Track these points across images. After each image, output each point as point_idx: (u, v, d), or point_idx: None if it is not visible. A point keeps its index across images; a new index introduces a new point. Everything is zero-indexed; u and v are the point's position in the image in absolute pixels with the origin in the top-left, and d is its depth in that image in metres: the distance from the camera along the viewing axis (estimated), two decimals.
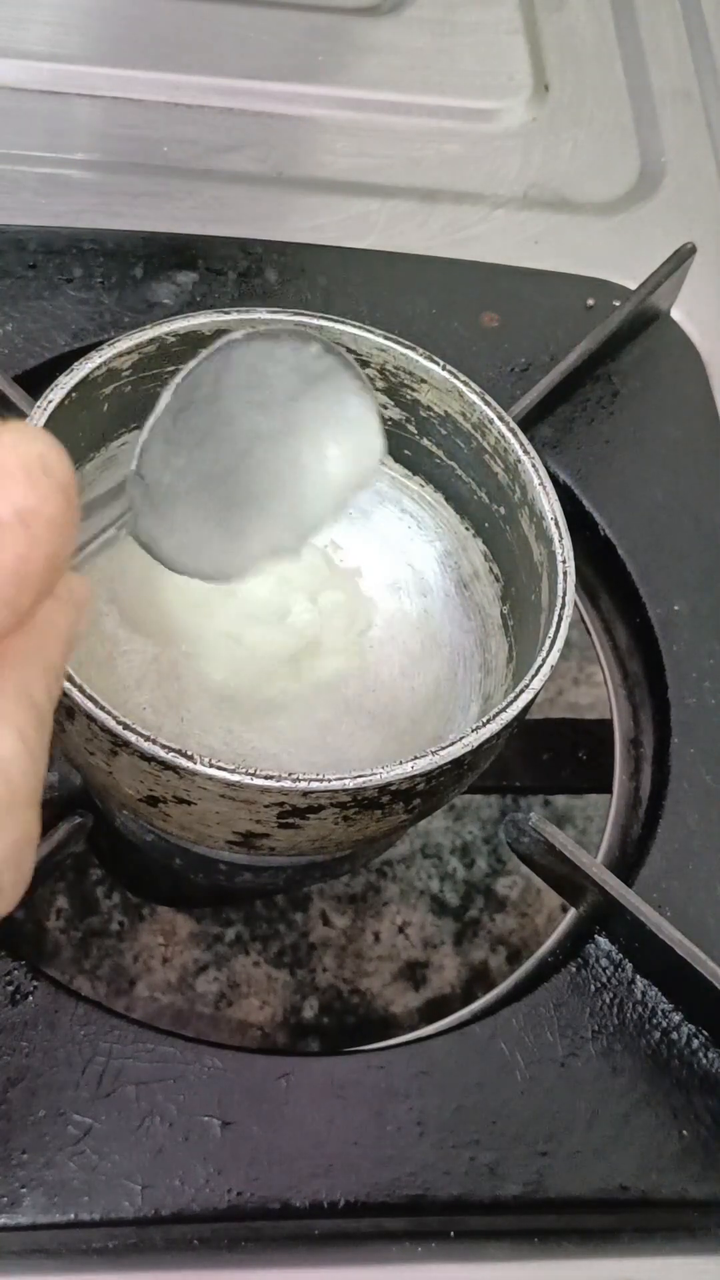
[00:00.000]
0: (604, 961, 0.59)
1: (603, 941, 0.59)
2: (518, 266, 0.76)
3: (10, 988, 0.55)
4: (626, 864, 0.63)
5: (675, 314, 0.76)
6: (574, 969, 0.59)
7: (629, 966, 0.59)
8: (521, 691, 0.51)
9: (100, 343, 0.57)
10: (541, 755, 0.75)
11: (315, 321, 0.58)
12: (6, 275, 0.70)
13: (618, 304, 0.72)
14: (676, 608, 0.68)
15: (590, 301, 0.75)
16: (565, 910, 0.62)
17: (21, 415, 0.61)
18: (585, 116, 0.84)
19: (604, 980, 0.59)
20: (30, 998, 0.55)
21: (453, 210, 0.79)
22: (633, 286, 0.73)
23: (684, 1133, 0.56)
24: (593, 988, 0.59)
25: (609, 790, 0.67)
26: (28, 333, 0.68)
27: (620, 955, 0.59)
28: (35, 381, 0.65)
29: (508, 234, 0.79)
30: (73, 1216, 0.52)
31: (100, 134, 0.78)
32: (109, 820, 0.66)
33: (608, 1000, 0.58)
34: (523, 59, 0.85)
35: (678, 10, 0.89)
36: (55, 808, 0.66)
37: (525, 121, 0.83)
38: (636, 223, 0.81)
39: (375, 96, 0.82)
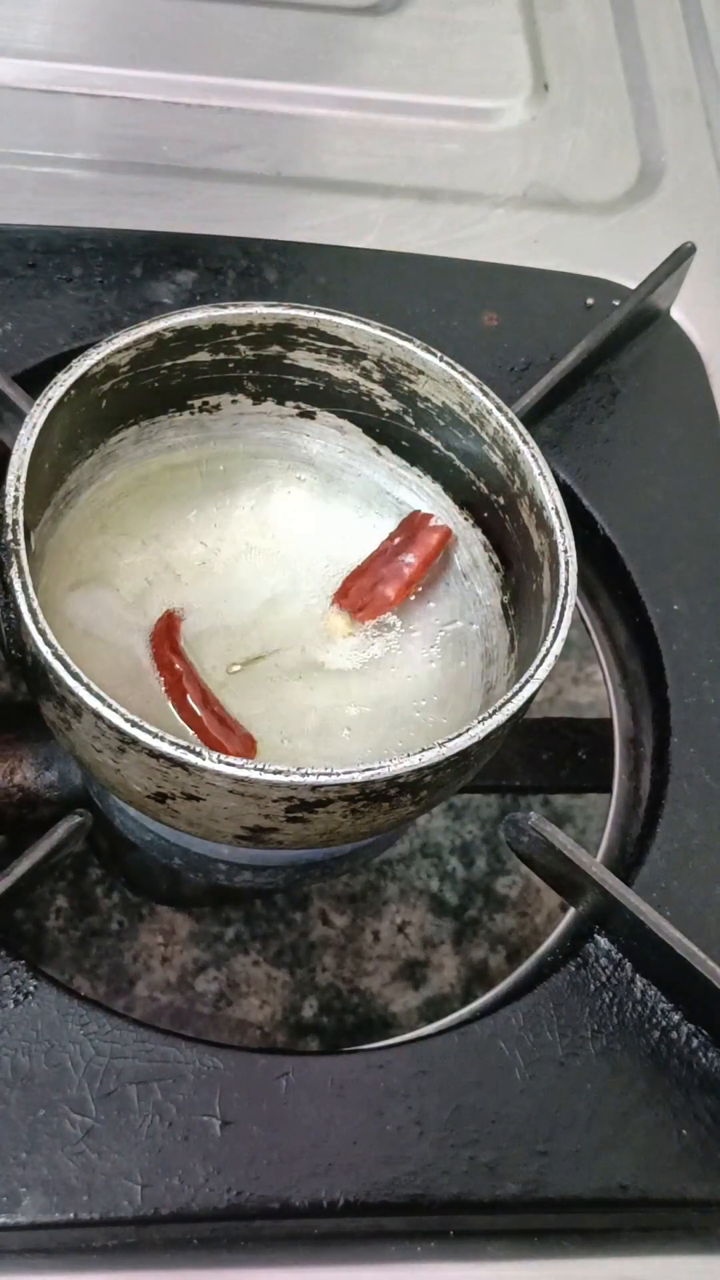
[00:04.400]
0: (603, 961, 0.59)
1: (602, 941, 0.59)
2: (517, 266, 0.76)
3: (10, 987, 0.55)
4: (626, 863, 0.63)
5: (675, 313, 0.76)
6: (573, 968, 0.59)
7: (628, 966, 0.59)
8: (526, 682, 0.51)
9: (99, 340, 0.57)
10: (541, 754, 0.75)
11: (311, 314, 0.58)
12: (6, 275, 0.70)
13: (617, 303, 0.72)
14: (676, 607, 0.68)
15: (590, 301, 0.75)
16: (565, 909, 0.62)
17: (21, 415, 0.61)
18: (585, 116, 0.84)
19: (603, 980, 0.59)
20: (30, 998, 0.55)
21: (452, 210, 0.79)
22: (632, 286, 0.73)
23: (683, 1132, 0.56)
24: (592, 987, 0.59)
25: (609, 789, 0.67)
26: (27, 332, 0.68)
27: (620, 954, 0.59)
28: (35, 381, 0.65)
29: (507, 233, 0.79)
30: (72, 1216, 0.52)
31: (100, 133, 0.78)
32: (108, 819, 0.66)
33: (607, 1000, 0.58)
34: (522, 58, 0.85)
35: (678, 10, 0.89)
36: (54, 807, 0.66)
37: (525, 121, 0.83)
38: (636, 222, 0.81)
39: (375, 96, 0.82)
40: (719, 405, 0.74)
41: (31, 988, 0.55)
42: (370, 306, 0.71)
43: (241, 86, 0.81)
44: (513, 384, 0.70)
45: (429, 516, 0.61)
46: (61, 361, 0.67)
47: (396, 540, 0.61)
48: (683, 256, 0.72)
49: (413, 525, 0.61)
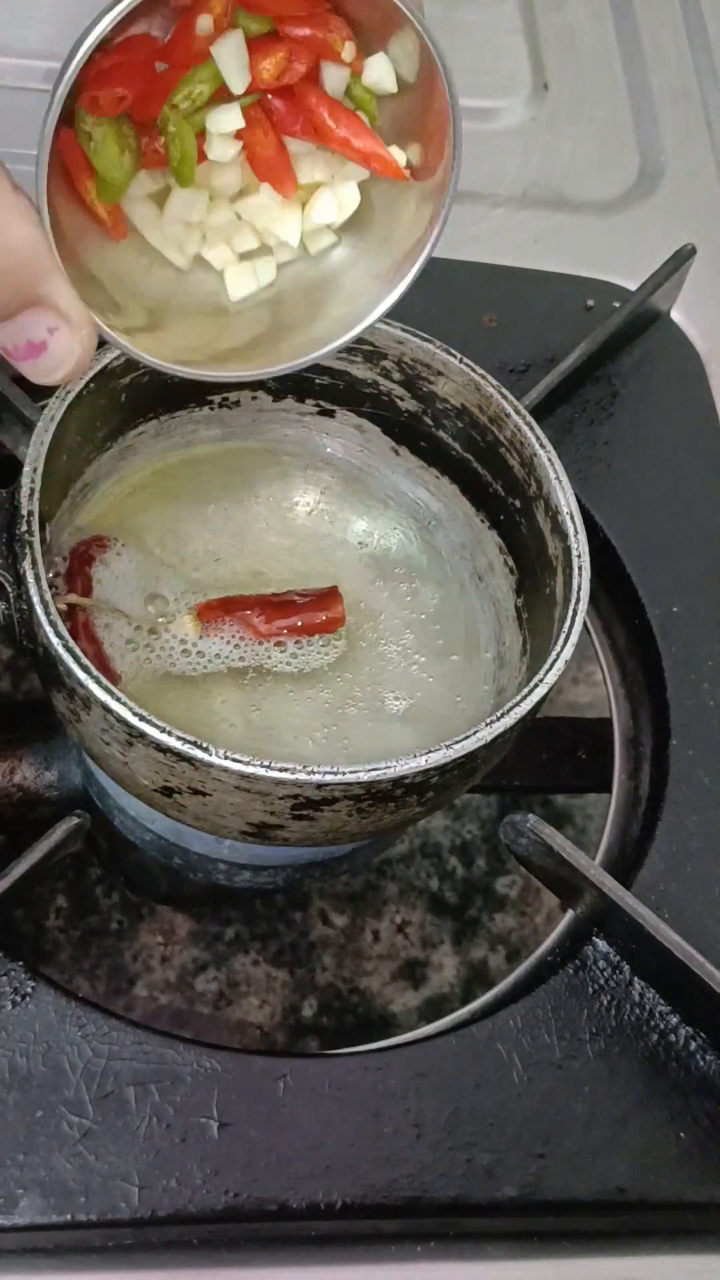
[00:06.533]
0: (602, 963, 0.59)
1: (601, 943, 0.59)
2: (517, 267, 0.76)
3: (9, 989, 0.55)
4: (625, 864, 0.63)
5: (675, 315, 0.76)
6: (572, 970, 0.59)
7: (627, 968, 0.59)
8: (535, 686, 0.51)
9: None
10: (541, 754, 0.75)
11: None
12: None
13: (617, 304, 0.72)
14: (675, 609, 0.68)
15: (590, 302, 0.75)
16: (564, 910, 0.62)
17: (21, 415, 0.61)
18: (585, 116, 0.84)
19: (602, 982, 0.59)
20: (28, 999, 0.55)
21: (453, 210, 0.79)
22: (632, 287, 0.73)
23: (681, 1135, 0.56)
24: (590, 989, 0.59)
25: (609, 789, 0.67)
26: None
27: (618, 957, 0.59)
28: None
29: (507, 234, 0.78)
30: (69, 1217, 0.52)
31: None
32: (108, 819, 0.66)
33: (606, 1002, 0.58)
34: (522, 58, 0.85)
35: (677, 10, 0.88)
36: (53, 807, 0.66)
37: (525, 121, 0.83)
38: (636, 223, 0.80)
39: None
40: (719, 407, 0.74)
41: (30, 989, 0.55)
42: None
43: None
44: (513, 385, 0.70)
45: (338, 601, 0.59)
46: None
47: (303, 598, 0.59)
48: (683, 258, 0.72)
49: (323, 599, 0.59)
